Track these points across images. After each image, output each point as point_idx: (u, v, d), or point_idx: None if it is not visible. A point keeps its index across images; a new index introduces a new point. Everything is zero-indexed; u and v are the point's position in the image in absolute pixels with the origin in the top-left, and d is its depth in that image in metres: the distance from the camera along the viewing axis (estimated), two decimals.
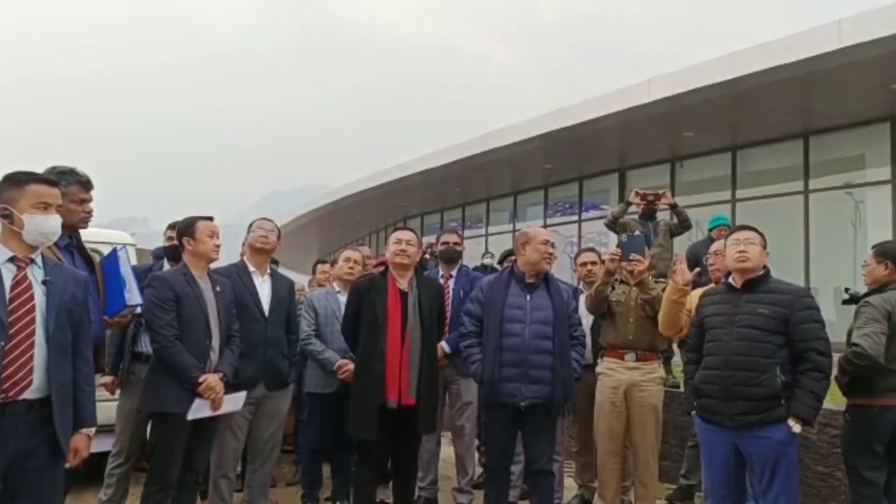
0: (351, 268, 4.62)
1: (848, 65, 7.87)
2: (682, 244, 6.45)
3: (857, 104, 9.34)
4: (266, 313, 3.96)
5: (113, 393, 4.08)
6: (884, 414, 3.45)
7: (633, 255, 4.11)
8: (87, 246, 3.45)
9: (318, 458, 4.70)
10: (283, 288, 4.13)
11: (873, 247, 3.77)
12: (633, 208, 6.26)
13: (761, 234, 3.42)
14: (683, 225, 6.15)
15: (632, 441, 4.22)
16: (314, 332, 4.50)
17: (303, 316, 4.56)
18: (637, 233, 4.49)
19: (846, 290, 4.07)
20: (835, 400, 4.00)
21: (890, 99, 9.00)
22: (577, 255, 5.07)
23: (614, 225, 6.09)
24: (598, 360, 4.34)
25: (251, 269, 4.04)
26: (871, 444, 3.46)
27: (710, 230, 6.39)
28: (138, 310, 3.57)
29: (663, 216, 6.39)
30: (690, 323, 3.62)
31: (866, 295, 3.63)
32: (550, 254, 3.98)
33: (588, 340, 4.22)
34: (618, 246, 4.20)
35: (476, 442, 5.07)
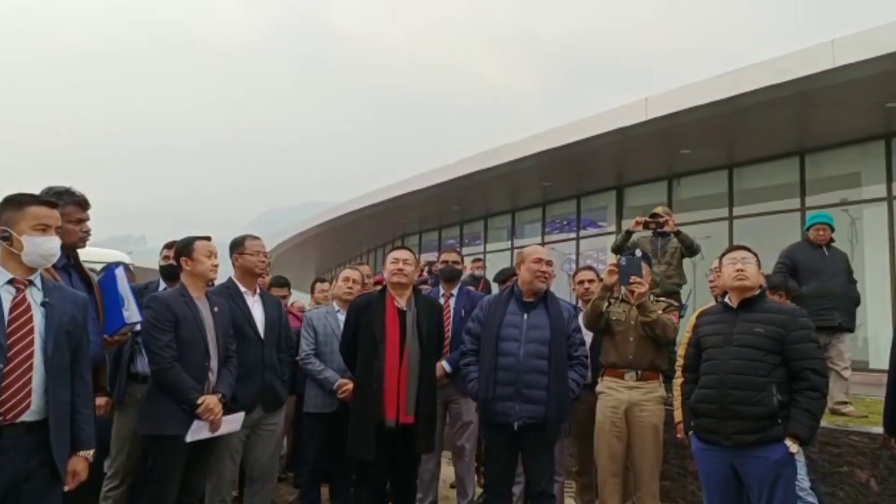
0: (350, 287, 4.62)
1: (842, 84, 7.93)
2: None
3: (852, 122, 9.41)
4: (262, 335, 3.94)
5: (106, 415, 4.04)
6: None
7: (632, 278, 4.08)
8: (86, 265, 3.44)
9: (317, 479, 4.67)
10: (273, 308, 4.10)
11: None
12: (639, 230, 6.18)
13: (755, 255, 3.45)
14: (689, 250, 6.01)
15: (632, 461, 4.19)
16: (313, 352, 4.49)
17: (302, 335, 4.54)
18: (638, 252, 4.45)
19: None
20: (832, 420, 4.00)
21: (885, 117, 9.06)
22: (575, 273, 5.06)
23: (620, 251, 6.03)
24: (599, 380, 4.33)
25: (243, 289, 3.99)
26: None
27: (807, 230, 5.99)
28: (138, 327, 3.55)
29: None
30: (687, 343, 3.62)
31: None
32: (544, 272, 3.93)
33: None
34: (616, 268, 4.16)
35: (475, 463, 5.04)
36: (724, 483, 3.29)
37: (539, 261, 3.93)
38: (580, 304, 4.78)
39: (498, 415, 3.76)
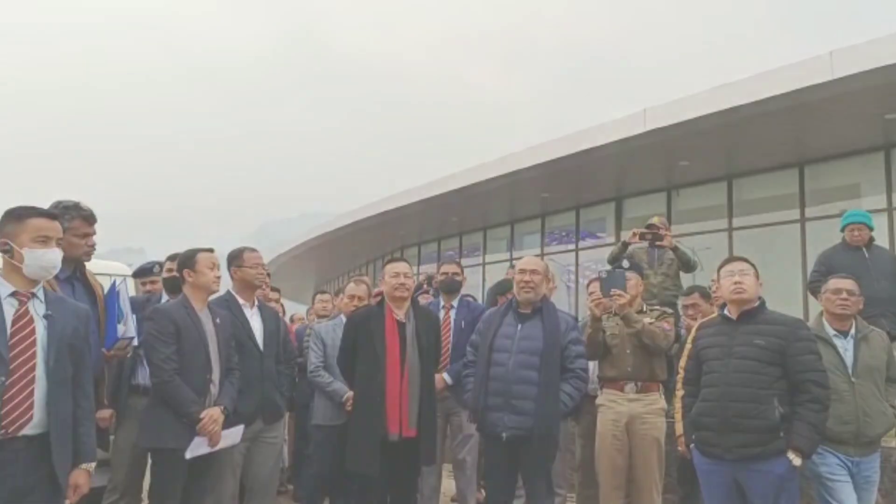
0: (356, 305, 4.62)
1: (841, 95, 7.96)
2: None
3: (851, 134, 9.43)
4: (261, 347, 3.93)
5: (110, 427, 4.02)
6: None
7: (613, 291, 4.05)
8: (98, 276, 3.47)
9: (319, 492, 4.65)
10: (271, 320, 4.09)
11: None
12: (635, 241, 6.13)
13: (753, 266, 3.44)
14: (686, 266, 5.91)
15: (634, 475, 4.15)
16: (322, 364, 4.49)
17: (311, 348, 4.55)
18: (626, 264, 4.39)
19: None
20: None
21: (884, 128, 9.09)
22: (588, 283, 5.03)
23: (616, 262, 5.98)
24: (599, 392, 4.32)
25: (241, 302, 3.98)
26: None
27: (842, 231, 5.48)
28: (135, 342, 3.55)
29: None
30: (687, 355, 3.61)
31: None
32: (527, 282, 3.90)
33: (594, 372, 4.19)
34: (600, 285, 4.13)
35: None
36: (728, 497, 3.26)
37: (522, 271, 3.93)
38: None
39: (488, 425, 3.76)
